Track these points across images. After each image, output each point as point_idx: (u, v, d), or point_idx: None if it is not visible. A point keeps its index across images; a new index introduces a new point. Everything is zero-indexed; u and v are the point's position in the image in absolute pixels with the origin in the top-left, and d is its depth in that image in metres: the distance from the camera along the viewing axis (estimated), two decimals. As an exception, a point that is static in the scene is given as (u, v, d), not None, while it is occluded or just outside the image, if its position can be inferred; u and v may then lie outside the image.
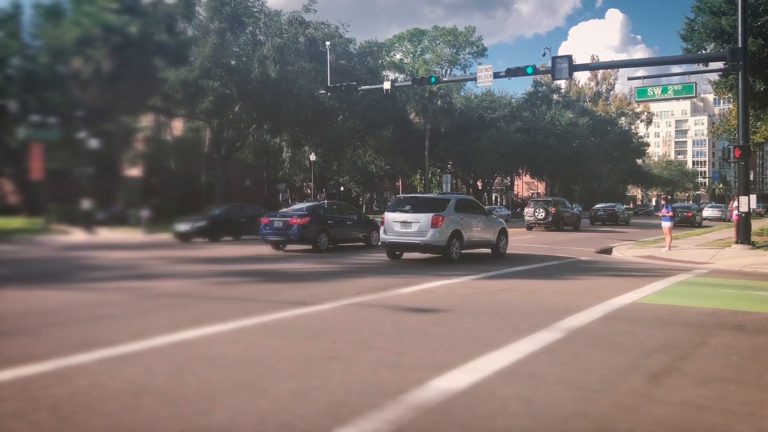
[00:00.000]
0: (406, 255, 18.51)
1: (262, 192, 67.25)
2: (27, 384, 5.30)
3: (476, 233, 18.19)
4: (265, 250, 20.80)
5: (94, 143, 22.72)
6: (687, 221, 44.36)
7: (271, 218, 20.59)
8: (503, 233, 19.46)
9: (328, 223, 20.64)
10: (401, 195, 26.80)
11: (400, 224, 17.06)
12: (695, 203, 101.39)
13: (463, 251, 17.57)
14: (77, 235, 22.88)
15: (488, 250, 19.26)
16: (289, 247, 20.96)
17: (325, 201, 26.25)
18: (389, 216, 17.43)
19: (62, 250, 20.12)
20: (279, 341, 6.97)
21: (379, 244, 19.02)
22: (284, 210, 22.29)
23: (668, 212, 22.50)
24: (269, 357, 6.28)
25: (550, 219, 35.01)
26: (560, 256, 19.65)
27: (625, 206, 66.31)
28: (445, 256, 17.01)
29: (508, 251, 19.94)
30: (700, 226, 44.43)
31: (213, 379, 5.48)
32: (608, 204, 53.68)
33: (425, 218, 16.66)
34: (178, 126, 43.60)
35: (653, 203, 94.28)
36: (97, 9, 24.05)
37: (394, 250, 17.96)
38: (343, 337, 7.26)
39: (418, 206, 17.52)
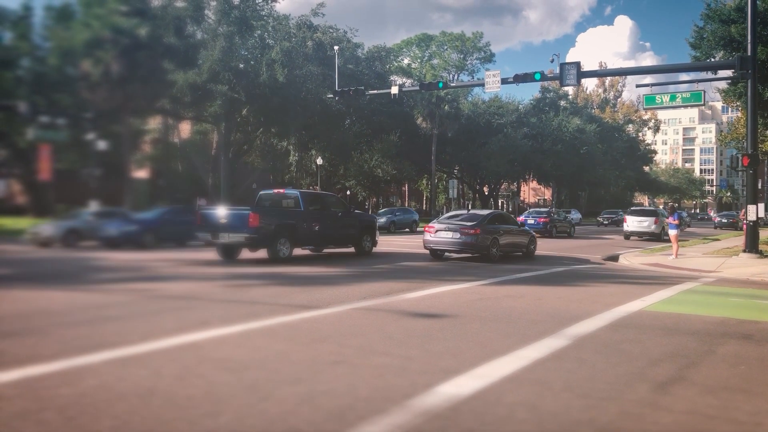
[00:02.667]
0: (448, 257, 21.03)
1: (269, 195, 67.35)
2: (34, 384, 5.32)
3: (509, 240, 20.98)
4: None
5: (102, 145, 22.80)
6: (732, 226, 46.54)
7: (443, 222, 20.72)
8: (532, 241, 22.43)
9: (497, 233, 20.28)
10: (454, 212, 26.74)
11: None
12: (703, 211, 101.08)
13: (499, 252, 20.13)
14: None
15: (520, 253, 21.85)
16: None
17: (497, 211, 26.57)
18: (438, 226, 20.36)
19: (70, 251, 20.19)
20: (285, 345, 6.98)
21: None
22: (449, 220, 21.38)
23: (674, 220, 22.41)
24: (275, 360, 6.29)
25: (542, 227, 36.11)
26: (566, 263, 19.61)
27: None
28: (484, 257, 19.77)
29: (509, 258, 20.70)
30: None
31: (219, 381, 5.49)
32: (612, 211, 54.64)
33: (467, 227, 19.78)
34: (185, 128, 43.78)
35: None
36: (107, 12, 24.16)
37: (438, 251, 20.51)
38: (349, 341, 7.27)
39: (465, 218, 20.83)
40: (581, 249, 27.08)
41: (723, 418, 4.89)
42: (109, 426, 4.37)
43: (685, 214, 60.69)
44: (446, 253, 20.86)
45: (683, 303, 11.47)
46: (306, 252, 20.98)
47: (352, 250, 21.05)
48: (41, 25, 25.26)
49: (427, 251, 20.68)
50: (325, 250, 21.20)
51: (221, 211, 18.07)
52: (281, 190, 21.29)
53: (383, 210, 46.36)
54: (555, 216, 39.51)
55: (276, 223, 17.70)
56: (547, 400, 5.17)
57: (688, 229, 49.52)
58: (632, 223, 35.17)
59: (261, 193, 20.93)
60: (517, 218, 29.59)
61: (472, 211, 23.15)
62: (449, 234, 19.83)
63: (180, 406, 4.80)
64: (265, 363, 6.17)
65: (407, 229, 40.78)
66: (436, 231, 20.17)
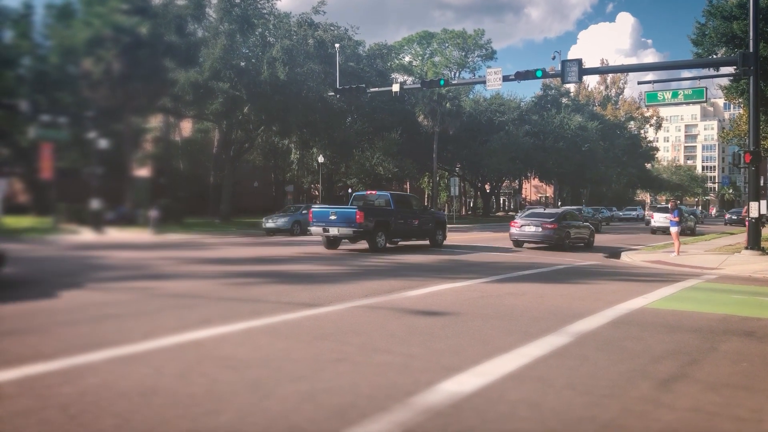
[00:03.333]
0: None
1: (270, 193, 67.42)
2: (36, 382, 5.32)
3: (576, 233, 25.59)
4: (273, 251, 20.91)
5: (103, 143, 22.80)
6: (743, 222, 47.03)
7: (524, 219, 25.55)
8: (592, 234, 27.07)
9: (568, 228, 25.02)
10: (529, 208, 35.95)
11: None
12: (705, 209, 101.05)
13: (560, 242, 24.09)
14: (86, 235, 22.96)
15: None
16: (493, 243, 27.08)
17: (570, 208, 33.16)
18: (522, 222, 25.14)
19: (71, 249, 20.20)
20: (287, 342, 6.98)
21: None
22: (530, 217, 26.10)
23: (675, 217, 22.37)
24: (277, 358, 6.29)
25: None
26: (568, 261, 19.61)
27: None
28: (558, 247, 23.99)
29: (512, 254, 20.86)
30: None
31: (221, 379, 5.49)
32: (631, 208, 56.27)
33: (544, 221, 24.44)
34: (187, 127, 43.72)
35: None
36: (108, 10, 24.13)
37: (521, 242, 25.15)
38: (351, 339, 7.26)
39: (544, 215, 25.56)
40: (621, 241, 31.09)
41: (725, 415, 4.88)
42: (111, 424, 4.38)
43: (698, 211, 62.84)
44: (525, 244, 25.17)
45: (685, 300, 11.46)
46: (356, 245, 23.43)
47: (426, 242, 24.46)
48: (42, 23, 25.21)
49: (511, 242, 25.50)
50: (401, 242, 24.36)
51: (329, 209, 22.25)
52: (373, 192, 25.97)
53: None
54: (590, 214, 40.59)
55: (375, 220, 21.42)
56: (549, 397, 5.17)
57: (700, 227, 50.31)
58: (659, 219, 39.31)
59: (355, 194, 25.13)
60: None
61: (548, 210, 28.08)
62: (532, 228, 24.42)
63: (182, 405, 4.80)
64: (266, 361, 6.17)
65: None
66: (521, 226, 24.83)
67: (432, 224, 24.31)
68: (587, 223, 27.99)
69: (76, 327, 7.73)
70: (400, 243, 24.20)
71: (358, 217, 20.70)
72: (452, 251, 22.34)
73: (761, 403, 5.24)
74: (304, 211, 31.01)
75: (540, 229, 24.14)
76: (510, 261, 18.99)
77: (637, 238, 34.69)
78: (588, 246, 26.18)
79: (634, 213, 71.80)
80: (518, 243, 25.17)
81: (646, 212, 58.19)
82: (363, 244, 22.34)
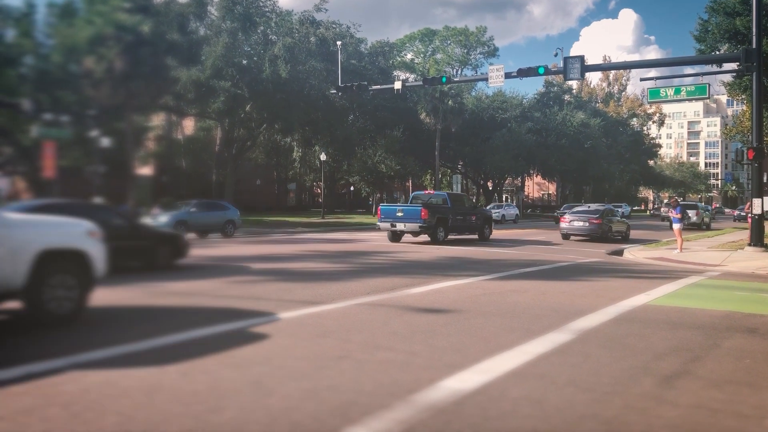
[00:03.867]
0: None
1: (273, 191, 67.45)
2: (39, 380, 5.34)
3: (616, 227, 29.18)
4: (275, 248, 20.92)
5: (106, 142, 22.82)
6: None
7: (573, 215, 29.28)
8: (628, 228, 30.43)
9: (611, 223, 28.79)
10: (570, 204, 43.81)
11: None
12: (707, 205, 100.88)
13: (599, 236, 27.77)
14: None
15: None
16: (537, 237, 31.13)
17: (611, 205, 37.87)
18: (571, 217, 28.96)
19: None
20: (289, 340, 6.98)
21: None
22: (577, 213, 29.99)
23: (677, 214, 22.35)
24: (279, 356, 6.29)
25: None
26: (570, 258, 19.59)
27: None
28: (603, 239, 27.61)
29: (515, 251, 20.64)
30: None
31: (224, 377, 5.50)
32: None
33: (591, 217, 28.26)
34: (189, 125, 43.76)
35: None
36: (110, 8, 24.13)
37: (570, 235, 28.86)
38: (353, 336, 7.27)
39: (590, 211, 29.47)
40: (649, 236, 33.32)
41: (728, 411, 4.88)
42: (114, 422, 4.38)
43: (710, 208, 64.85)
44: (572, 236, 28.93)
45: (688, 297, 11.44)
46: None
47: (475, 236, 27.79)
48: (44, 22, 25.20)
49: (561, 235, 29.26)
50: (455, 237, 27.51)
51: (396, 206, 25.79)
52: (431, 191, 29.45)
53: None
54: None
55: (437, 216, 24.54)
56: (551, 394, 5.17)
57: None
58: (572, 221, 40.69)
59: (414, 194, 27.86)
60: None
61: (592, 207, 32.21)
62: (580, 223, 28.31)
63: (184, 402, 4.81)
64: (269, 359, 6.17)
65: None
66: (570, 221, 28.69)
67: (481, 220, 27.63)
68: (624, 219, 32.29)
69: (78, 325, 7.73)
70: (453, 237, 27.17)
71: (423, 214, 23.93)
72: (500, 244, 25.59)
73: (764, 400, 5.23)
74: (192, 209, 26.28)
75: (587, 224, 27.96)
76: (513, 258, 18.98)
77: (659, 233, 35.84)
78: (625, 239, 29.41)
79: (619, 210, 72.01)
80: (566, 236, 28.87)
81: (662, 209, 62.70)
82: (423, 238, 26.23)
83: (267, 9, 43.40)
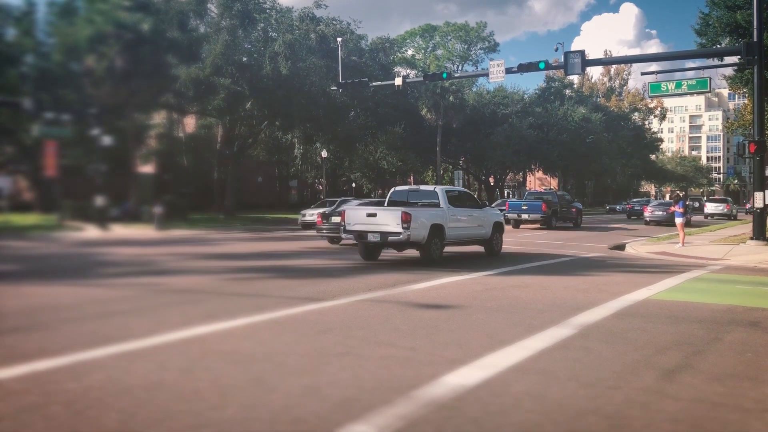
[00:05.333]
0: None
1: (274, 188, 67.47)
2: (41, 379, 5.35)
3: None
4: (276, 246, 20.95)
5: (107, 140, 22.84)
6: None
7: (653, 206, 39.35)
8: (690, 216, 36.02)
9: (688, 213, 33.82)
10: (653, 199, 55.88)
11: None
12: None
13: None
14: (91, 232, 23.02)
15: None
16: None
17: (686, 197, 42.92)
18: (652, 208, 39.14)
19: (76, 246, 20.26)
20: (291, 337, 6.99)
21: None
22: (656, 205, 38.97)
23: (680, 208, 22.33)
24: (281, 352, 6.30)
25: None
26: (573, 253, 19.59)
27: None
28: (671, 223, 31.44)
29: (520, 248, 20.31)
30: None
31: (225, 374, 5.50)
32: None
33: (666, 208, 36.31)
34: (190, 123, 43.73)
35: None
36: (110, 7, 24.12)
37: (652, 222, 38.04)
38: (354, 332, 7.27)
39: (665, 203, 38.09)
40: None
41: (730, 405, 4.88)
42: (116, 419, 4.40)
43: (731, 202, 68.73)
44: (652, 222, 37.84)
45: (690, 291, 11.44)
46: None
47: (571, 225, 34.89)
48: (45, 21, 25.20)
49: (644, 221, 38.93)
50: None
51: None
52: (540, 189, 34.09)
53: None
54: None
55: (551, 209, 32.04)
56: (553, 389, 5.17)
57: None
58: (711, 207, 53.11)
59: (528, 192, 32.44)
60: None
61: (664, 200, 40.69)
62: (659, 212, 38.04)
63: (186, 399, 4.82)
64: (270, 355, 6.18)
65: None
66: (652, 211, 38.88)
67: (575, 213, 36.03)
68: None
69: (80, 323, 7.76)
70: (559, 225, 34.11)
71: (543, 207, 31.85)
72: (590, 229, 34.05)
73: (766, 394, 5.23)
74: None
75: (664, 213, 36.45)
76: (516, 254, 18.97)
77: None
78: (687, 224, 35.04)
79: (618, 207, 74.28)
80: (649, 223, 38.47)
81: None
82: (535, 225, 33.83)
83: (266, 6, 43.30)
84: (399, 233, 14.93)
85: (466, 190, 24.69)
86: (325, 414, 4.51)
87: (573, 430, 4.35)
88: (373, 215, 15.75)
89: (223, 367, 5.71)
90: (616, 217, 57.60)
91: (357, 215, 16.08)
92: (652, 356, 6.30)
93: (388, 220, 15.28)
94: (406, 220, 14.89)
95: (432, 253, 15.53)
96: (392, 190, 18.60)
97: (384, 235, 15.20)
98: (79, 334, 7.14)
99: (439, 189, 17.22)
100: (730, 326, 7.99)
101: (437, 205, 16.53)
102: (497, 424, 4.41)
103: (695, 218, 47.16)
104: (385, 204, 17.92)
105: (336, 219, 20.20)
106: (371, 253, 16.47)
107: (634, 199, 69.30)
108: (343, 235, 16.29)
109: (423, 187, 18.68)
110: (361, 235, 15.68)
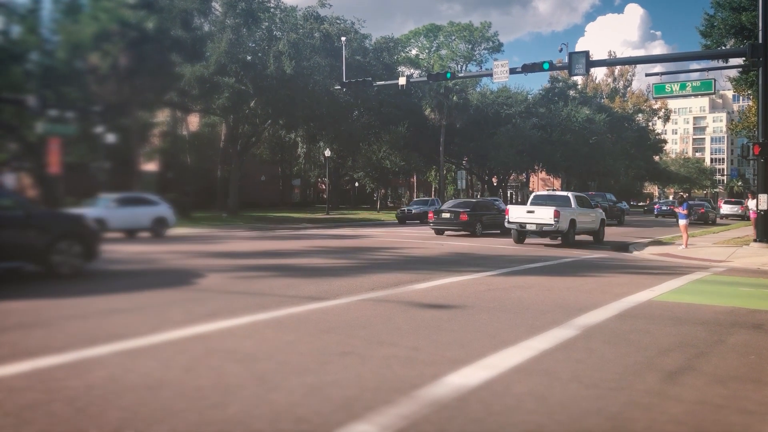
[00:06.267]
0: None
1: (278, 187, 67.49)
2: (44, 376, 5.36)
3: (713, 214, 42.76)
4: (279, 244, 20.97)
5: (111, 138, 22.86)
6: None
7: (693, 204, 37.82)
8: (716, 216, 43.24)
9: (711, 212, 39.57)
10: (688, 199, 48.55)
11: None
12: (713, 200, 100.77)
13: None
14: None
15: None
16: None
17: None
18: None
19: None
20: (293, 336, 6.99)
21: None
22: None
23: (684, 210, 22.30)
24: (283, 351, 6.30)
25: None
26: (575, 254, 19.57)
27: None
28: (705, 223, 37.42)
29: (518, 248, 20.79)
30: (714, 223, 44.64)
31: (228, 373, 5.51)
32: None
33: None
34: (194, 121, 43.75)
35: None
36: (115, 4, 24.15)
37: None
38: (356, 332, 7.27)
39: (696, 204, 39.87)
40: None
41: (732, 407, 4.87)
42: (118, 417, 4.40)
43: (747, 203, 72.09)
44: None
45: (693, 293, 11.42)
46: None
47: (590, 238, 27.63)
48: (49, 18, 25.24)
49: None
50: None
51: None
52: (554, 191, 33.48)
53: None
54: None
55: (568, 219, 24.28)
56: (555, 390, 5.16)
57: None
58: (726, 208, 55.42)
59: (535, 194, 28.03)
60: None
61: (697, 201, 41.71)
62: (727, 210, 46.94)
63: (188, 398, 4.82)
64: (273, 354, 6.18)
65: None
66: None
67: (604, 218, 34.09)
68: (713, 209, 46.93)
69: (83, 321, 7.77)
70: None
71: (555, 215, 27.92)
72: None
73: (769, 396, 5.22)
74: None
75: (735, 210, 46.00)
76: (518, 254, 18.96)
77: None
78: (713, 222, 41.64)
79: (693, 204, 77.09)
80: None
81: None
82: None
83: (271, 5, 43.35)
84: (552, 224, 21.48)
85: (583, 194, 28.31)
86: (327, 413, 4.51)
87: (575, 431, 4.34)
88: (532, 212, 22.16)
89: (225, 366, 5.72)
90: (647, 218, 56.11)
91: (518, 212, 22.83)
92: (654, 358, 6.29)
93: (543, 216, 21.70)
94: (557, 216, 21.40)
95: (570, 239, 22.14)
96: (533, 194, 25.16)
97: (540, 225, 21.73)
98: (82, 331, 7.15)
99: (571, 194, 23.94)
100: (733, 328, 7.98)
101: (570, 206, 22.65)
102: (499, 425, 4.40)
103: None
104: (528, 203, 23.61)
105: (446, 215, 27.25)
106: (521, 239, 23.16)
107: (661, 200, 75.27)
108: (507, 225, 23.04)
109: (559, 193, 25.81)
110: (521, 225, 22.47)
